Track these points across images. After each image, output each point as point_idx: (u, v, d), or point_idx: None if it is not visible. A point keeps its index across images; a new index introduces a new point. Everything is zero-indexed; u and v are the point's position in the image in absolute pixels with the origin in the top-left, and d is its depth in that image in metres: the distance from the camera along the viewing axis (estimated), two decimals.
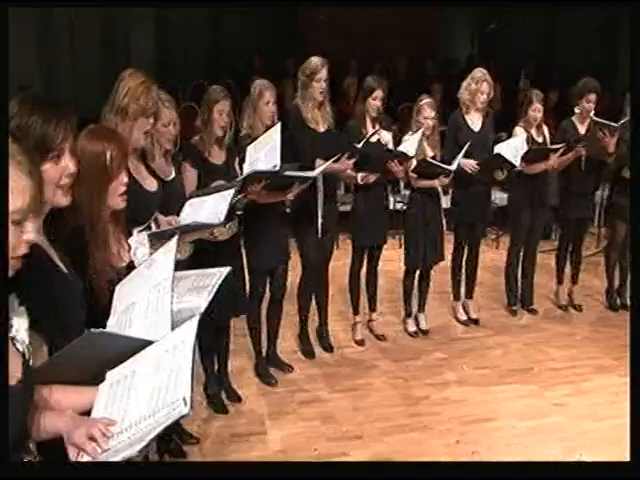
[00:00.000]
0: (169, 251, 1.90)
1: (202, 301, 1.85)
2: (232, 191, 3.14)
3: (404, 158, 4.54)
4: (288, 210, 4.43)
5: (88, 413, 1.47)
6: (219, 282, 1.94)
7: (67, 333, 1.62)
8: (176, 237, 1.91)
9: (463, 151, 4.70)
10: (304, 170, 3.94)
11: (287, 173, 3.71)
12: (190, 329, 1.51)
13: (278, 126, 3.71)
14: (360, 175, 4.46)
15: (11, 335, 1.38)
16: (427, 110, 4.73)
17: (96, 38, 8.55)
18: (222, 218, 3.02)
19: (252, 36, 10.88)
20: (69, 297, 1.74)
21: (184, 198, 3.26)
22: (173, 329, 1.59)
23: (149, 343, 1.56)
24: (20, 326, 1.41)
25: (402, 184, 6.70)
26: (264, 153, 3.64)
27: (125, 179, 2.11)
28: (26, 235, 1.32)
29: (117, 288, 1.92)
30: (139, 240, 2.20)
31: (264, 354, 4.48)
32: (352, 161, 4.27)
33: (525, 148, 4.89)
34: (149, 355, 1.49)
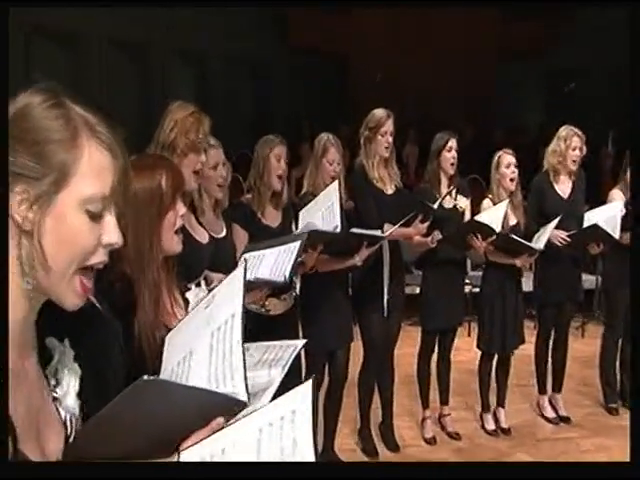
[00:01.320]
0: (234, 282, 1.71)
1: (276, 376, 1.70)
2: (298, 245, 3.02)
3: (488, 233, 4.37)
4: (350, 291, 4.41)
5: None
6: (294, 355, 1.78)
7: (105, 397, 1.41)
8: (242, 265, 1.73)
9: (551, 227, 4.61)
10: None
11: (354, 230, 3.72)
12: (304, 395, 1.32)
13: (335, 184, 3.74)
14: (431, 237, 4.39)
15: (55, 396, 1.16)
16: (508, 157, 4.68)
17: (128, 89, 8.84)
18: (287, 274, 2.91)
19: (298, 100, 11.11)
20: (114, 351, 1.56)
21: (235, 259, 3.25)
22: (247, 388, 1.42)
23: (219, 395, 1.37)
24: (70, 388, 1.17)
25: (469, 262, 6.56)
26: (321, 215, 3.64)
27: (182, 209, 2.03)
28: (107, 236, 1.07)
29: (167, 339, 1.74)
30: (199, 295, 2.06)
31: (319, 452, 4.28)
32: (426, 224, 4.22)
33: (621, 214, 4.73)
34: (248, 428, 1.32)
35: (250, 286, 2.86)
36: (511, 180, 4.65)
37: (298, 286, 3.95)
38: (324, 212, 3.63)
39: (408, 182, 6.85)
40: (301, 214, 3.71)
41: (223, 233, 3.33)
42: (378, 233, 3.95)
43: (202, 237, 2.97)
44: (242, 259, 2.97)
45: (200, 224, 3.06)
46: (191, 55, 10.38)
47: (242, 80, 11.24)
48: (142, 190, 1.96)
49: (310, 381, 1.32)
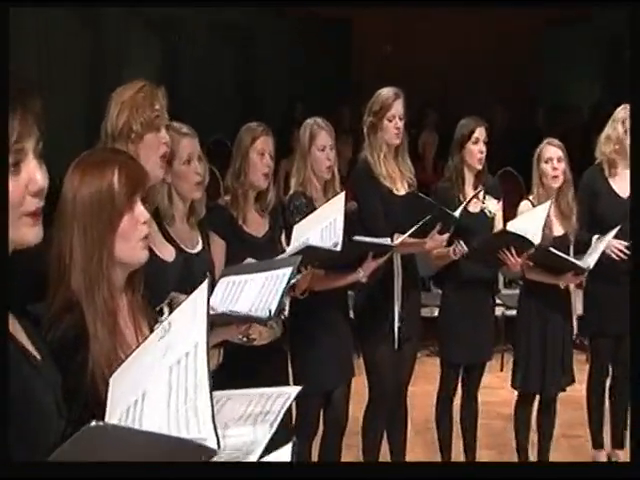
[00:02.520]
0: (196, 306, 1.70)
1: (263, 435, 1.75)
2: (288, 273, 3.01)
3: (525, 246, 4.36)
4: (352, 314, 4.47)
5: None
6: (285, 408, 1.86)
7: (33, 443, 1.49)
8: (205, 282, 1.73)
9: (608, 238, 4.57)
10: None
11: (357, 238, 3.78)
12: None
13: (341, 197, 3.80)
14: (453, 248, 4.44)
15: None
16: (551, 149, 4.66)
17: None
18: (274, 309, 2.87)
19: (294, 81, 11.17)
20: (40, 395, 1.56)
21: (213, 279, 3.25)
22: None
23: (183, 441, 1.43)
24: None
25: (502, 278, 6.56)
26: (320, 232, 3.70)
27: (144, 214, 2.05)
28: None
29: (111, 380, 1.72)
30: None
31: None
32: (446, 236, 4.26)
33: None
34: None
35: (225, 320, 2.86)
36: (554, 178, 4.63)
37: (287, 308, 3.94)
38: (324, 229, 3.69)
39: (424, 179, 6.90)
40: (295, 229, 3.76)
41: (198, 247, 3.35)
42: (387, 241, 3.99)
43: (167, 254, 2.98)
44: (209, 275, 2.94)
45: (166, 236, 3.09)
46: (157, 20, 10.43)
47: (218, 50, 11.26)
48: (89, 194, 1.98)
49: None
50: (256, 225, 3.80)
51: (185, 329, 1.63)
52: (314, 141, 4.10)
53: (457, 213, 4.26)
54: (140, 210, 2.04)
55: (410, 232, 4.01)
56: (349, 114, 9.85)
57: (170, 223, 3.19)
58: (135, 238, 2.03)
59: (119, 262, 2.02)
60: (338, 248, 3.58)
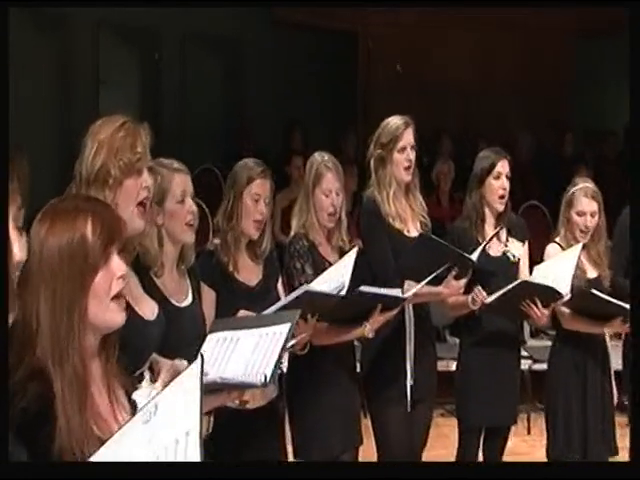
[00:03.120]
0: (187, 386, 1.69)
1: None
2: (286, 330, 2.97)
3: (551, 297, 4.39)
4: (358, 367, 4.47)
5: None
6: None
7: None
8: (199, 362, 1.73)
9: None
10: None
11: (364, 289, 3.78)
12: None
13: (353, 253, 3.88)
14: (473, 295, 4.42)
15: None
16: (584, 201, 4.65)
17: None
18: (269, 374, 2.80)
19: (287, 97, 11.17)
20: None
21: (203, 335, 3.17)
22: None
23: None
24: None
25: (528, 328, 6.60)
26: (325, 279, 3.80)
27: (121, 268, 2.02)
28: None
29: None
30: (152, 395, 2.03)
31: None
32: (463, 282, 4.27)
33: None
34: None
35: (212, 388, 2.78)
36: (583, 233, 4.63)
37: (285, 364, 3.94)
38: (331, 277, 3.78)
39: (439, 214, 6.86)
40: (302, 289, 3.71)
41: (188, 299, 3.36)
42: (397, 293, 3.98)
43: (148, 310, 2.94)
44: (201, 352, 2.80)
45: (149, 288, 3.07)
46: (133, 33, 10.42)
47: (208, 67, 11.25)
48: (58, 248, 1.94)
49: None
50: (249, 272, 3.83)
51: (174, 414, 1.64)
52: (319, 183, 4.13)
53: (475, 256, 4.27)
54: (117, 263, 2.01)
55: (424, 283, 4.03)
56: (354, 140, 9.89)
57: (158, 272, 3.19)
58: (110, 296, 2.00)
59: (92, 325, 1.98)
60: (343, 292, 3.64)
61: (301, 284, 3.85)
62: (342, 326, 3.98)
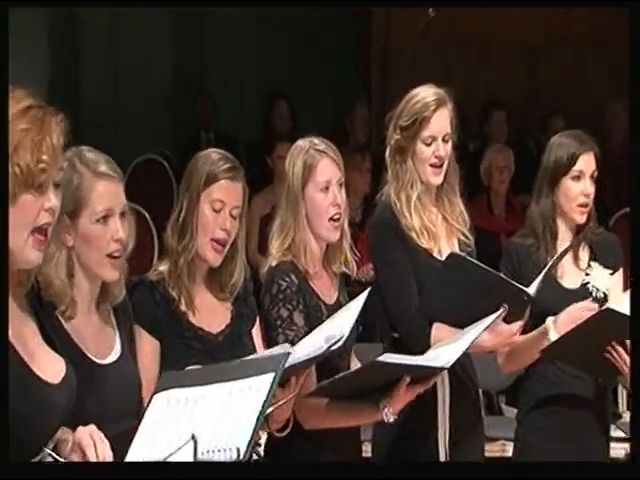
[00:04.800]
0: None
1: None
2: (268, 381, 2.99)
3: None
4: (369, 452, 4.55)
5: None
6: None
7: None
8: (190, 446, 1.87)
9: None
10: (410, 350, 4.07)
11: (383, 359, 3.76)
12: None
13: (363, 297, 3.92)
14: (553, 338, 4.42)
15: None
16: None
17: None
18: (243, 449, 2.85)
19: (273, 71, 11.24)
20: None
21: (137, 403, 3.33)
22: None
23: None
24: None
25: (624, 394, 6.64)
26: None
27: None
28: None
29: None
30: None
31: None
32: (517, 327, 4.25)
33: None
34: None
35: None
36: None
37: (261, 447, 3.89)
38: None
39: (491, 226, 6.85)
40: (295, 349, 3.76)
41: (115, 353, 3.39)
42: (431, 362, 3.90)
43: (51, 370, 2.89)
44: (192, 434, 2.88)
45: (56, 337, 3.03)
46: None
47: (148, 23, 11.40)
48: None
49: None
50: (210, 314, 3.90)
51: None
52: (311, 176, 4.13)
53: (533, 288, 4.27)
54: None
55: (472, 340, 4.01)
56: (366, 120, 9.94)
57: (68, 313, 3.19)
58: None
59: None
60: (340, 342, 3.68)
61: (288, 340, 3.93)
62: (350, 405, 3.98)
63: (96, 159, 3.32)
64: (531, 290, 4.22)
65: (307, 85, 11.05)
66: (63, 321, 3.17)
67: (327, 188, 4.12)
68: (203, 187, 3.81)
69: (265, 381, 2.99)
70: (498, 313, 4.10)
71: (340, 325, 3.84)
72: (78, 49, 11.08)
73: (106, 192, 3.30)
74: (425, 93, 4.43)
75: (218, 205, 3.81)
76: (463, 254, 4.39)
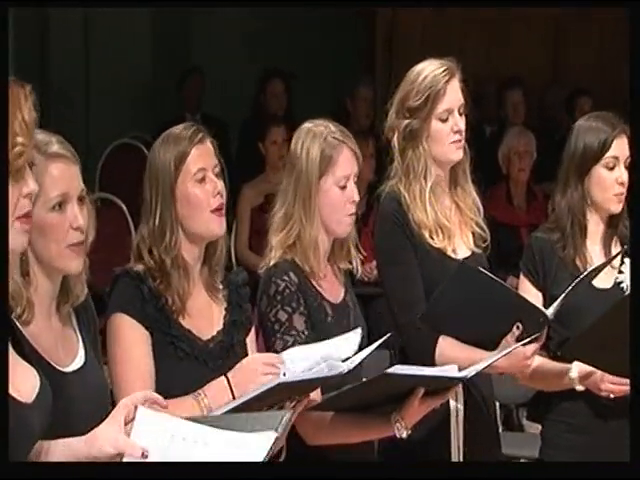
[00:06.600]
0: None
1: None
2: (268, 442, 2.99)
3: None
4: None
5: None
6: None
7: None
8: None
9: None
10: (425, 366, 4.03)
11: (394, 371, 3.75)
12: None
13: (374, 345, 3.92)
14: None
15: None
16: None
17: None
18: None
19: (264, 47, 11.28)
20: None
21: (103, 406, 3.30)
22: None
23: None
24: None
25: None
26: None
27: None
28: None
29: None
30: None
31: None
32: (533, 349, 4.29)
33: None
34: None
35: None
36: None
37: None
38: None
39: (511, 219, 6.82)
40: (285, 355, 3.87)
41: (79, 359, 3.38)
42: (448, 372, 3.90)
43: (23, 388, 2.84)
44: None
45: (33, 354, 3.05)
46: None
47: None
48: None
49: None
50: (203, 318, 3.90)
51: None
52: (330, 169, 4.13)
53: (552, 309, 4.30)
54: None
55: (488, 363, 4.03)
56: (370, 101, 10.04)
57: (25, 317, 3.13)
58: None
59: None
60: (344, 371, 3.66)
61: (286, 346, 3.94)
62: (354, 418, 3.98)
63: (47, 140, 3.27)
64: (549, 312, 4.22)
65: (303, 62, 11.20)
66: (21, 327, 3.08)
67: (345, 185, 4.12)
68: (175, 167, 3.82)
69: (263, 441, 3.02)
70: (523, 342, 4.16)
71: (344, 353, 3.83)
72: (47, 23, 11.45)
73: (60, 175, 3.27)
74: (432, 66, 4.47)
75: (199, 174, 3.81)
76: (475, 267, 4.35)
